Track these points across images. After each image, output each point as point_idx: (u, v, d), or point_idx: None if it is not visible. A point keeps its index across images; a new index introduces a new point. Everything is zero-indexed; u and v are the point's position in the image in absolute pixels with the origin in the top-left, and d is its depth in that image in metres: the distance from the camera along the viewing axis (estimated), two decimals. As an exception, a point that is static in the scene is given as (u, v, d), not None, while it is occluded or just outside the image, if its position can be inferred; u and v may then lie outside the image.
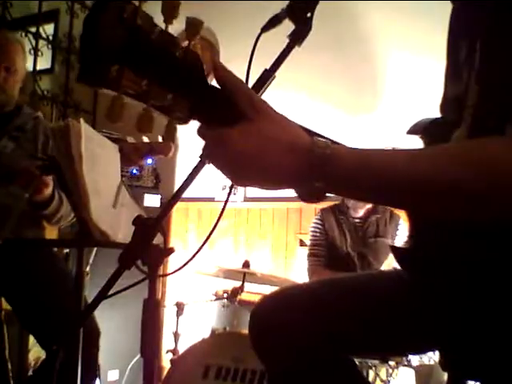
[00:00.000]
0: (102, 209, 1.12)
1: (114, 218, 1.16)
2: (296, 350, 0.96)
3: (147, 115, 0.63)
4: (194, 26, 0.65)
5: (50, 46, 3.63)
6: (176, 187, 3.00)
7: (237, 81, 0.60)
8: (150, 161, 3.43)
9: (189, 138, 3.41)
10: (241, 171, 0.58)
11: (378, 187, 0.57)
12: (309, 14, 0.89)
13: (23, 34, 3.37)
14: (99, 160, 1.18)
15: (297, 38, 0.88)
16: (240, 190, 3.29)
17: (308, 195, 0.60)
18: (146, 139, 1.81)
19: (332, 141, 0.58)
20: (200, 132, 0.62)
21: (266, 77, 0.89)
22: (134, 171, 3.25)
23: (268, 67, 0.89)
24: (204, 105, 0.61)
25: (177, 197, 0.90)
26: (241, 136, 0.56)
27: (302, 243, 3.02)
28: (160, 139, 1.86)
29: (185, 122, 0.66)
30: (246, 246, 3.26)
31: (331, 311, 0.98)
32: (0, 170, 1.81)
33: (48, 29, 3.95)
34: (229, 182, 3.11)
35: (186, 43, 0.63)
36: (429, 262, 0.76)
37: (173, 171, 3.50)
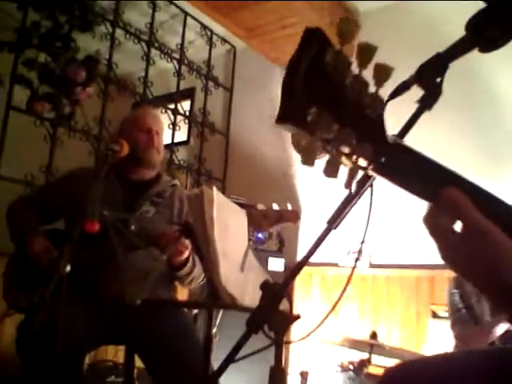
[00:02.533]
0: (230, 272, 1.16)
1: (242, 282, 1.19)
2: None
3: (311, 148, 0.62)
4: (367, 52, 0.62)
5: (186, 121, 3.99)
6: (299, 251, 3.02)
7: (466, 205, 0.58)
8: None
9: (310, 202, 3.47)
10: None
11: None
12: (439, 79, 0.88)
13: (163, 111, 3.74)
14: (229, 225, 1.24)
15: (426, 104, 0.87)
16: (365, 256, 3.20)
17: None
18: (275, 206, 1.86)
19: None
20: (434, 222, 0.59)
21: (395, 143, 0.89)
22: (260, 235, 3.34)
23: (396, 133, 0.89)
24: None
25: (303, 263, 0.91)
26: (457, 244, 0.55)
27: (434, 315, 2.82)
28: (289, 207, 1.90)
29: (362, 168, 0.65)
30: (372, 314, 3.12)
31: None
32: (142, 233, 1.98)
33: (185, 105, 4.36)
34: (354, 247, 3.03)
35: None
36: None
37: (296, 235, 3.53)
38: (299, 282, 3.48)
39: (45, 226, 2.19)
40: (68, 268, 1.51)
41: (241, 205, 3.57)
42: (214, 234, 1.14)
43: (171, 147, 3.77)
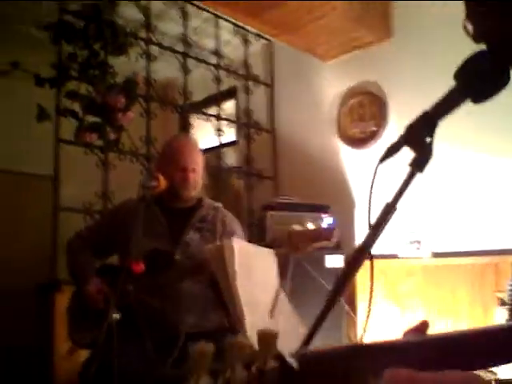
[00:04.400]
0: (257, 322, 1.18)
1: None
2: None
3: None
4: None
5: (232, 121, 4.00)
6: (357, 245, 2.96)
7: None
8: (330, 221, 3.48)
9: (364, 195, 3.39)
10: None
11: None
12: (428, 140, 0.84)
13: (207, 118, 3.78)
14: (255, 272, 1.25)
15: (417, 167, 0.84)
16: (426, 245, 3.11)
17: None
18: (311, 226, 1.86)
19: None
20: None
21: (387, 211, 0.86)
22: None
23: (389, 201, 0.86)
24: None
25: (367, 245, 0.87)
26: None
27: (502, 303, 2.70)
28: (324, 225, 1.89)
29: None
30: (437, 304, 3.04)
31: None
32: (188, 261, 2.04)
33: (229, 104, 4.38)
34: (413, 237, 2.91)
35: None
36: None
37: (352, 229, 3.48)
38: (360, 276, 3.44)
39: (103, 259, 2.33)
40: (117, 316, 1.59)
41: (291, 205, 3.55)
42: (236, 287, 1.16)
43: (218, 153, 3.81)
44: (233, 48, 4.12)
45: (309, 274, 2.62)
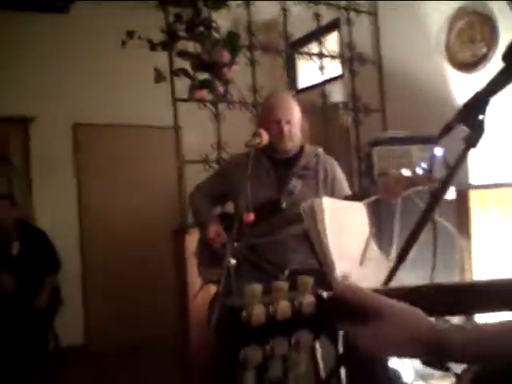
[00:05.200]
0: (348, 270, 1.34)
1: (360, 277, 1.37)
2: None
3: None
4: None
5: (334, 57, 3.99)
6: (471, 174, 3.00)
7: (364, 295, 0.71)
8: (440, 152, 3.42)
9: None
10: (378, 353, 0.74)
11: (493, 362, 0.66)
12: (481, 117, 0.90)
13: (308, 57, 3.83)
14: (346, 226, 1.40)
15: (471, 143, 0.91)
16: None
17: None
18: (406, 172, 1.93)
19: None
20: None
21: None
22: (423, 165, 3.31)
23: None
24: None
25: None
26: (369, 336, 0.69)
27: None
28: (419, 171, 1.95)
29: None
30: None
31: None
32: (292, 208, 2.24)
33: (332, 37, 4.34)
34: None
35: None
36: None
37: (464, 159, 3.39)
38: (474, 204, 3.39)
39: (219, 206, 2.64)
40: (233, 262, 1.85)
41: (400, 139, 3.55)
42: (327, 241, 1.33)
43: (322, 90, 3.85)
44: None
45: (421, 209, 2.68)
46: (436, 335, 0.67)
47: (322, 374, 1.80)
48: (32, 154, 4.48)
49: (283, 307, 0.63)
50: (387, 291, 0.72)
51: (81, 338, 4.63)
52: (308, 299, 0.64)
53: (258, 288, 0.64)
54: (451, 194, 3.26)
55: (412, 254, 1.20)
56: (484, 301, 0.72)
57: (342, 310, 0.68)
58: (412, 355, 0.69)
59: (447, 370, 0.67)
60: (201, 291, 2.39)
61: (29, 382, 3.74)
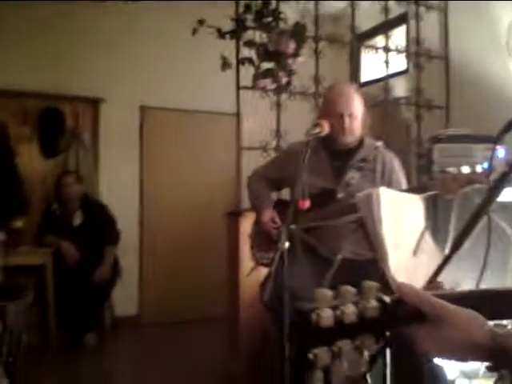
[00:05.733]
0: (401, 261, 1.39)
1: (412, 268, 1.41)
2: None
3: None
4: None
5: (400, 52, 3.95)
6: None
7: (421, 296, 0.72)
8: (502, 153, 3.34)
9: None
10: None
11: None
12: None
13: (374, 51, 3.82)
14: (402, 217, 1.44)
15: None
16: None
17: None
18: (465, 169, 1.92)
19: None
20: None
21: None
22: (484, 164, 3.25)
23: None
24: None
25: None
26: (429, 339, 0.70)
27: None
28: (478, 169, 1.95)
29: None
30: None
31: None
32: (348, 198, 2.28)
33: (399, 31, 4.30)
34: None
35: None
36: None
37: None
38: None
39: (276, 192, 2.71)
40: (287, 244, 1.93)
41: (459, 136, 3.49)
42: (381, 231, 1.38)
43: (385, 84, 3.83)
44: (403, -28, 3.98)
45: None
46: (496, 340, 0.67)
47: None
48: (100, 132, 4.73)
49: (349, 311, 0.66)
50: (445, 295, 0.73)
51: (135, 309, 4.87)
52: (372, 304, 0.67)
53: (328, 293, 0.68)
54: (511, 195, 3.19)
55: (464, 251, 1.23)
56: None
57: (403, 312, 0.70)
58: (472, 359, 0.70)
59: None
60: (252, 272, 2.48)
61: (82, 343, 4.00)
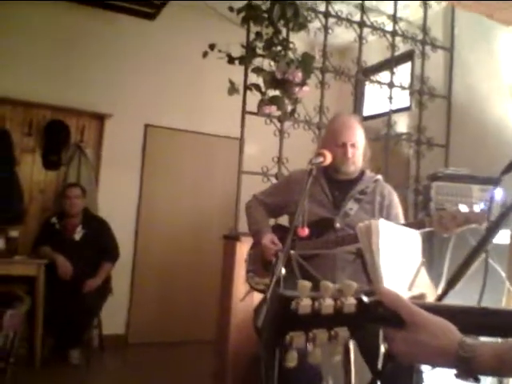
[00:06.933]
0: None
1: (406, 301, 1.41)
2: None
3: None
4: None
5: (404, 88, 4.03)
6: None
7: (400, 301, 0.77)
8: (500, 194, 3.38)
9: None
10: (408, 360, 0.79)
11: None
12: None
13: (379, 87, 3.88)
14: (400, 249, 1.45)
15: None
16: None
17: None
18: (463, 208, 1.95)
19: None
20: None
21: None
22: (481, 205, 3.28)
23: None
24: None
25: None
26: (402, 341, 0.76)
27: None
28: (476, 209, 1.96)
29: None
30: None
31: None
32: (346, 229, 2.30)
33: (404, 68, 4.38)
34: None
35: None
36: None
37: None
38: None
39: (275, 218, 2.72)
40: (283, 271, 1.93)
41: (459, 176, 3.52)
42: (379, 264, 1.39)
43: (388, 119, 3.89)
44: (411, 11, 4.09)
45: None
46: (463, 349, 0.72)
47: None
48: (104, 147, 4.76)
49: (327, 304, 0.73)
50: (424, 305, 0.79)
51: (122, 328, 4.81)
52: (349, 301, 0.73)
53: (308, 284, 0.75)
54: (506, 237, 3.21)
55: (458, 290, 1.24)
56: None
57: (385, 314, 0.76)
58: (440, 365, 0.75)
59: (477, 381, 0.72)
60: (246, 296, 2.47)
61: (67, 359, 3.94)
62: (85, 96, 4.58)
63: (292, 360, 0.73)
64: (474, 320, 0.78)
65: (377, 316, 0.76)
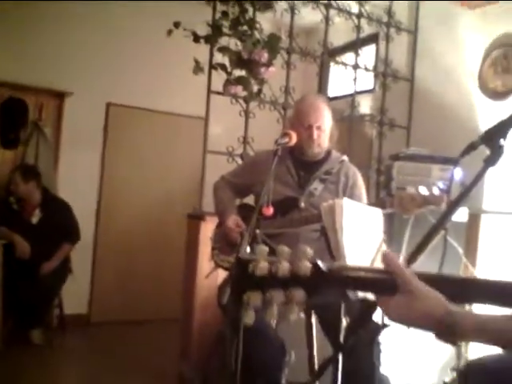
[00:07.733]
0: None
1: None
2: None
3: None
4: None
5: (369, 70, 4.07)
6: (485, 200, 3.06)
7: (399, 267, 0.83)
8: (459, 174, 3.49)
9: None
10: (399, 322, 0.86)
11: (495, 343, 0.80)
12: (502, 141, 0.99)
13: (344, 67, 3.92)
14: (362, 228, 1.49)
15: (491, 162, 1.00)
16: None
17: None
18: (423, 191, 2.00)
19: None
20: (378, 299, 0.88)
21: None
22: (441, 185, 3.38)
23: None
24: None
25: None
26: (395, 307, 0.83)
27: None
28: (435, 191, 2.03)
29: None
30: None
31: None
32: (310, 208, 2.33)
33: (369, 49, 4.42)
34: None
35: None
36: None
37: (481, 182, 3.45)
38: (484, 228, 3.44)
39: (241, 198, 2.74)
40: (248, 249, 1.95)
41: (421, 156, 3.60)
42: (342, 242, 1.42)
43: (352, 100, 3.94)
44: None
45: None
46: (451, 316, 0.80)
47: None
48: (63, 127, 4.63)
49: (283, 267, 0.77)
50: (420, 274, 0.85)
51: (85, 308, 4.77)
52: (305, 264, 0.78)
53: (266, 249, 0.80)
54: (464, 215, 3.33)
55: (418, 264, 1.28)
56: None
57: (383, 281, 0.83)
58: (427, 329, 0.82)
59: (455, 344, 0.79)
60: (211, 274, 2.49)
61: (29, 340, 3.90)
62: (44, 74, 4.43)
63: (249, 318, 0.78)
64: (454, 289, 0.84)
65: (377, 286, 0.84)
